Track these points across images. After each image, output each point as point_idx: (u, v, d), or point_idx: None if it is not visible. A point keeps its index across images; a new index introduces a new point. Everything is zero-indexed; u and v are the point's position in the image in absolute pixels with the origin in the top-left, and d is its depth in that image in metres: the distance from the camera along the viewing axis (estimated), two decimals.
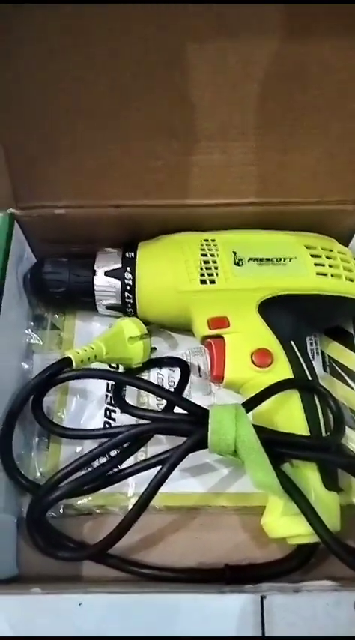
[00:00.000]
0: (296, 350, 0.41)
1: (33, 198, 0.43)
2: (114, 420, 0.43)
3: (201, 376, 0.45)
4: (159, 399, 0.44)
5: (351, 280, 0.43)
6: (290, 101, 0.38)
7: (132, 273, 0.42)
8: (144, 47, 0.35)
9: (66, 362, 0.39)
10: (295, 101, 0.38)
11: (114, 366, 0.44)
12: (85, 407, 0.44)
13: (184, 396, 0.43)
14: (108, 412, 0.43)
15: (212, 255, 0.42)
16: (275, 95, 0.38)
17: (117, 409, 0.43)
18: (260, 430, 0.35)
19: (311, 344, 0.46)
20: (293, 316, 0.42)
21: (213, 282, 0.42)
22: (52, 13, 0.33)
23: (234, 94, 0.38)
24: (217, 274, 0.42)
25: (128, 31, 0.34)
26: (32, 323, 0.47)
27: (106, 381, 0.44)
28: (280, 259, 0.42)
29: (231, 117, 0.39)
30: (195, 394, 0.44)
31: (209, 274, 0.42)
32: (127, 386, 0.43)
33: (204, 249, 0.42)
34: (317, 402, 0.40)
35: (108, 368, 0.43)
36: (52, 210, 0.43)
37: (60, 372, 0.39)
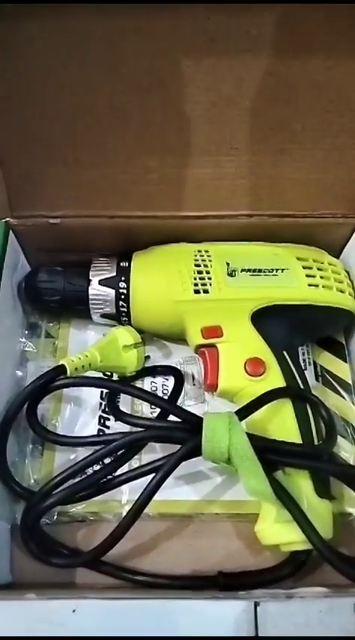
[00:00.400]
0: (288, 359, 0.42)
1: (28, 208, 0.43)
2: (108, 427, 0.43)
3: (194, 385, 0.46)
4: (153, 407, 0.44)
5: (342, 291, 0.44)
6: (281, 117, 0.39)
7: (127, 282, 0.43)
8: (140, 64, 0.36)
9: (60, 369, 0.39)
10: (286, 117, 0.39)
11: (109, 374, 0.45)
12: (79, 414, 0.44)
13: (178, 404, 0.43)
14: (102, 420, 0.44)
15: (205, 265, 0.43)
16: (266, 111, 0.39)
17: (111, 417, 0.43)
18: (253, 438, 0.35)
19: (303, 354, 0.47)
20: (285, 326, 0.43)
21: (206, 292, 0.42)
22: (49, 29, 0.34)
23: (227, 110, 0.38)
24: (211, 284, 0.42)
25: (124, 48, 0.35)
26: (26, 331, 0.47)
27: (100, 389, 0.44)
28: (272, 270, 0.43)
29: (224, 132, 0.40)
30: (188, 402, 0.45)
31: (202, 284, 0.42)
32: (121, 394, 0.44)
33: (197, 260, 0.43)
34: (309, 411, 0.40)
35: (102, 376, 0.44)
36: (47, 220, 0.43)
37: (54, 380, 0.39)
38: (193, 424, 0.36)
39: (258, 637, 0.28)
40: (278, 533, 0.37)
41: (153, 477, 0.35)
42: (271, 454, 0.36)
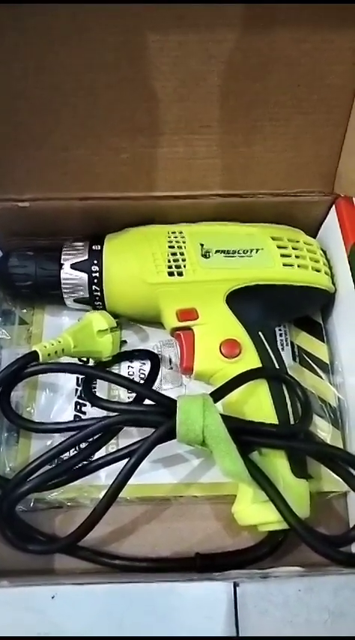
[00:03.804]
0: (264, 340, 0.42)
1: None
2: (84, 413, 0.43)
3: (172, 368, 0.45)
4: (129, 391, 0.43)
5: (318, 271, 0.44)
6: (252, 94, 0.39)
7: (99, 265, 0.42)
8: (106, 40, 0.35)
9: (32, 356, 0.38)
10: (257, 94, 0.39)
11: (85, 359, 0.44)
12: (55, 401, 0.43)
13: (156, 388, 0.43)
14: (78, 406, 0.43)
15: (179, 247, 0.42)
16: (237, 88, 0.38)
17: (87, 403, 0.43)
18: (227, 419, 0.35)
19: (280, 334, 0.47)
20: (260, 307, 0.43)
21: (180, 274, 0.42)
22: (12, 7, 0.33)
23: (197, 88, 0.38)
24: (185, 266, 0.42)
25: (89, 26, 0.34)
26: (0, 318, 0.46)
27: (76, 375, 0.44)
28: (247, 251, 0.43)
29: (194, 110, 0.39)
30: (166, 386, 0.44)
31: (176, 266, 0.42)
32: (98, 379, 0.43)
33: (171, 242, 0.42)
34: (285, 391, 0.40)
35: (76, 361, 0.43)
36: (16, 204, 0.42)
37: (26, 367, 0.39)
38: (167, 407, 0.36)
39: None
40: (255, 513, 0.37)
41: (128, 461, 0.35)
42: (246, 435, 0.36)
